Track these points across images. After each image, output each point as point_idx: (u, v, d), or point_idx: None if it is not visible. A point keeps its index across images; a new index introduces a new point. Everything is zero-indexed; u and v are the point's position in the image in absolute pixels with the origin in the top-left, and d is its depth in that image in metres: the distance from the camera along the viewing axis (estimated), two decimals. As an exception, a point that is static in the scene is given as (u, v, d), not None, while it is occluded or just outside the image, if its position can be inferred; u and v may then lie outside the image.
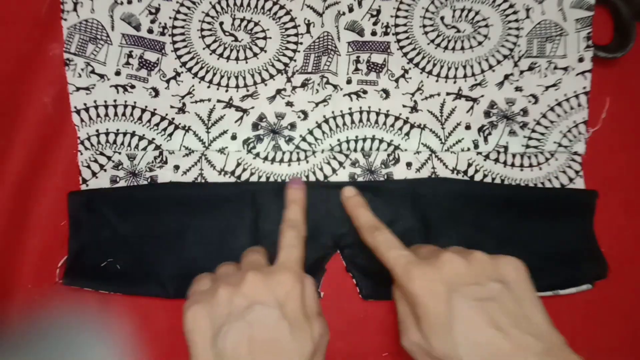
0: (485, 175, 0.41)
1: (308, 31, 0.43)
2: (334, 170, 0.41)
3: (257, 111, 0.42)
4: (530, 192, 0.41)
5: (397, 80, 0.42)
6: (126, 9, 0.42)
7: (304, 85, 0.42)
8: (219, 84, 0.42)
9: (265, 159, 0.42)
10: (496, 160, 0.42)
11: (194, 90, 0.42)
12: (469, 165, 0.41)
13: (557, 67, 0.42)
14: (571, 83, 0.42)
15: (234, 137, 0.41)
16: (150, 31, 0.42)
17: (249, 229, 0.40)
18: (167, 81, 0.42)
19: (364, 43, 0.43)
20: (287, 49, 0.43)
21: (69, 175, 0.41)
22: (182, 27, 0.43)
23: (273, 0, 0.43)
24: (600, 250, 0.40)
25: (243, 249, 0.39)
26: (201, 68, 0.42)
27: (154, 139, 0.41)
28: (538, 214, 0.40)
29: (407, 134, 0.42)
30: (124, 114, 0.42)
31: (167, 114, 0.42)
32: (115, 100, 0.41)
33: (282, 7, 0.43)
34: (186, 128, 0.41)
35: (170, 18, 0.42)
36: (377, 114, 0.42)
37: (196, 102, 0.42)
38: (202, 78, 0.42)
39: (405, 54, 0.42)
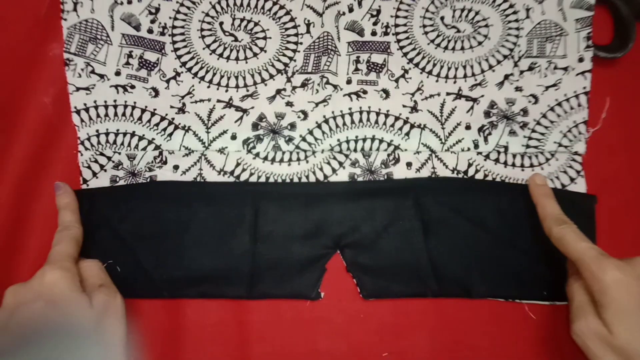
0: (485, 175, 0.41)
1: (308, 31, 0.43)
2: (333, 170, 0.41)
3: (257, 111, 0.42)
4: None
5: (397, 80, 0.42)
6: (126, 9, 0.42)
7: (304, 85, 0.42)
8: (218, 84, 0.42)
9: (265, 159, 0.41)
10: (496, 160, 0.42)
11: (193, 90, 0.42)
12: (469, 165, 0.41)
13: (557, 67, 0.42)
14: (571, 83, 0.42)
15: (233, 137, 0.41)
16: (150, 31, 0.42)
17: (248, 229, 0.40)
18: (167, 81, 0.42)
19: (364, 43, 0.43)
20: (287, 49, 0.43)
21: (69, 176, 0.41)
22: (182, 27, 0.43)
23: (273, 0, 0.43)
24: None
25: (242, 249, 0.39)
26: (201, 68, 0.42)
27: (153, 139, 0.41)
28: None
29: (407, 134, 0.42)
30: (124, 114, 0.42)
31: (167, 114, 0.42)
32: (115, 101, 0.41)
33: (282, 7, 0.43)
34: (186, 128, 0.41)
35: (170, 18, 0.42)
36: (377, 114, 0.42)
37: (196, 102, 0.42)
38: (202, 78, 0.42)
39: (405, 54, 0.42)
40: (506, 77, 0.42)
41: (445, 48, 0.42)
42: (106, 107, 0.41)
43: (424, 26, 0.43)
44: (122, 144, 0.41)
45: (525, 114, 0.42)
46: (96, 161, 0.41)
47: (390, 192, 0.41)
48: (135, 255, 0.40)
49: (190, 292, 0.39)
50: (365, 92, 0.42)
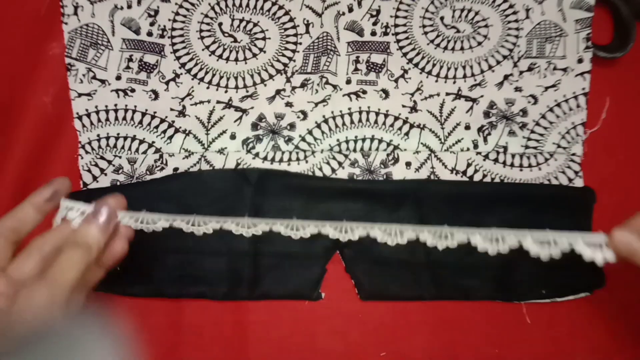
0: (484, 175, 0.41)
1: (307, 31, 0.43)
2: (333, 170, 0.41)
3: (257, 111, 0.42)
4: (527, 190, 0.41)
5: (396, 81, 0.42)
6: (126, 14, 0.42)
7: (303, 85, 0.42)
8: (218, 85, 0.42)
9: (265, 159, 0.42)
10: (495, 161, 0.42)
11: (193, 91, 0.42)
12: (469, 165, 0.41)
13: (557, 68, 0.42)
14: (570, 84, 0.42)
15: (233, 137, 0.42)
16: (149, 34, 0.42)
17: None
18: (167, 83, 0.42)
19: (363, 43, 0.43)
20: (286, 49, 0.43)
21: (69, 176, 0.41)
22: (181, 28, 0.43)
23: (272, 0, 0.43)
24: None
25: (242, 248, 0.39)
26: (200, 69, 0.42)
27: (154, 142, 0.41)
28: (537, 215, 0.40)
29: (407, 133, 0.42)
30: (124, 118, 0.42)
31: (166, 117, 0.42)
32: (115, 105, 0.42)
33: (281, 8, 0.43)
34: (187, 132, 0.42)
35: (169, 20, 0.42)
36: (377, 114, 0.42)
37: (196, 104, 0.42)
38: (202, 79, 0.42)
39: (404, 54, 0.42)
40: (506, 77, 0.42)
41: (445, 48, 0.42)
42: (107, 111, 0.41)
43: (424, 26, 0.43)
44: (123, 147, 0.41)
45: (524, 114, 0.42)
46: (96, 165, 0.41)
47: (389, 192, 0.41)
48: (134, 255, 0.40)
49: (190, 292, 0.39)
50: (364, 92, 0.42)
